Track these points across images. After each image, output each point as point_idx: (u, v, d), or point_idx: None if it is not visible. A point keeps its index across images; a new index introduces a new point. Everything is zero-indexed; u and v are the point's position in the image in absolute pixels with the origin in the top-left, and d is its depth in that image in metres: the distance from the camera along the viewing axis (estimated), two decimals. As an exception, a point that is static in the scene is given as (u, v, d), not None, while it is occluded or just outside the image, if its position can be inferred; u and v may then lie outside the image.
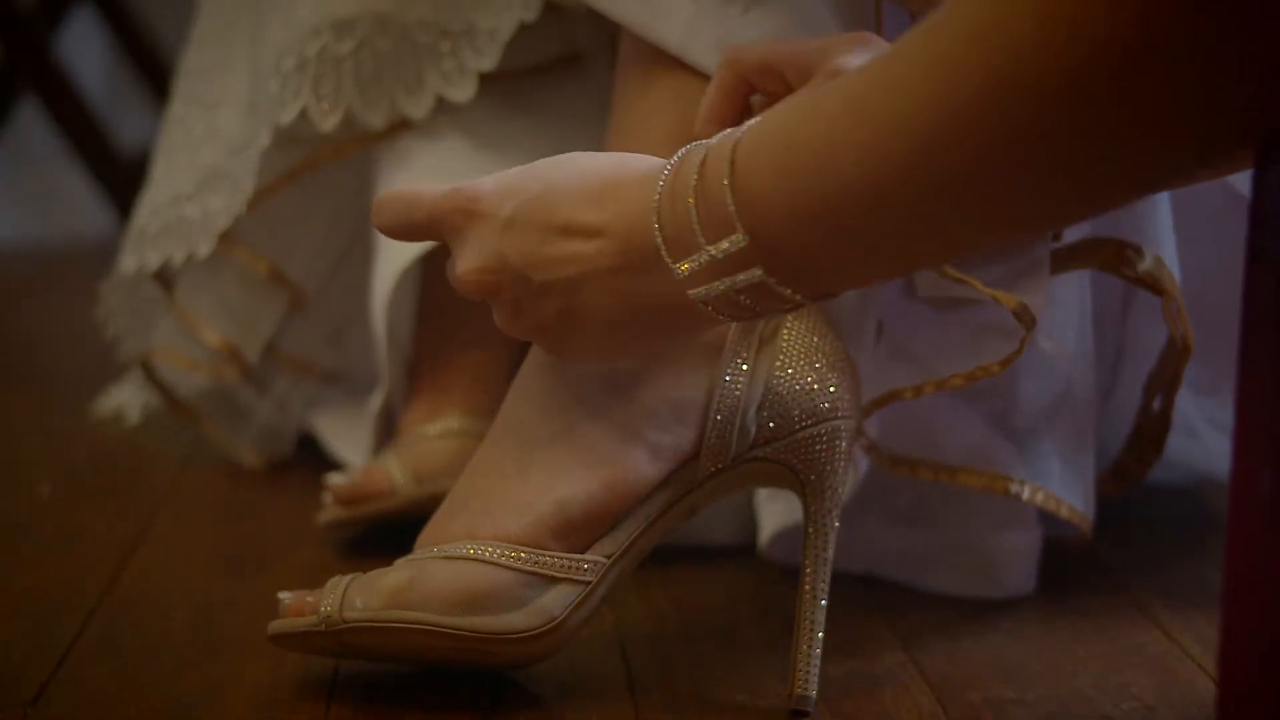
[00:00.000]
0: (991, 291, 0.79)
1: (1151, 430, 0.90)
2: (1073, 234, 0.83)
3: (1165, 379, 0.87)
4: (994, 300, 0.79)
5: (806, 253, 0.63)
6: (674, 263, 0.66)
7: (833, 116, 0.61)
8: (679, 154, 0.67)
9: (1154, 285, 0.83)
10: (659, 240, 0.66)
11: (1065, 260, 0.83)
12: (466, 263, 0.71)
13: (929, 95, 0.57)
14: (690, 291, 0.66)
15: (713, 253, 0.64)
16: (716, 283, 0.65)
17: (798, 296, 0.65)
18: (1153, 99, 0.54)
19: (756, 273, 0.64)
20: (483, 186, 0.71)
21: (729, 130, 0.66)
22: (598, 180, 0.68)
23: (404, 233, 0.73)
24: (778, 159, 0.62)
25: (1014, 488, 0.87)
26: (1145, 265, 0.83)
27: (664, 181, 0.66)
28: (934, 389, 0.83)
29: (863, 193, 0.60)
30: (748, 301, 0.66)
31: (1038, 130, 0.55)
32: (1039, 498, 0.87)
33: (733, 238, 0.64)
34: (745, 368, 0.75)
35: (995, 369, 0.81)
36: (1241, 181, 0.86)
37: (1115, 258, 0.83)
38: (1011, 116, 0.55)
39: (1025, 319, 0.79)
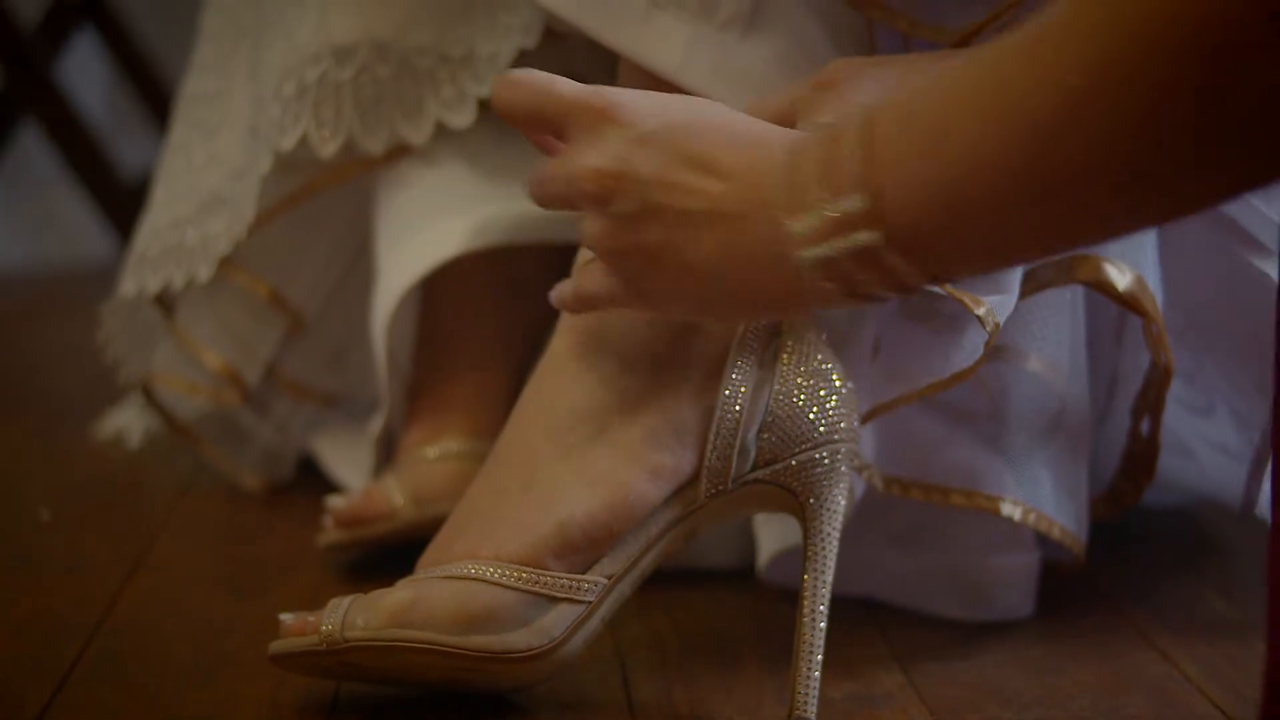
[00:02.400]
0: (957, 294, 0.78)
1: (1142, 454, 0.90)
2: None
3: (1150, 401, 0.88)
4: (960, 303, 0.79)
5: (927, 228, 0.60)
6: (787, 219, 0.63)
7: (967, 85, 0.58)
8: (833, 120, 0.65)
9: (1135, 306, 0.83)
10: (778, 195, 0.64)
11: (1047, 276, 0.84)
12: (589, 160, 0.68)
13: (1070, 63, 0.55)
14: (800, 252, 0.63)
15: (829, 211, 0.62)
16: (827, 243, 0.62)
17: (911, 273, 0.62)
18: None
19: (872, 236, 0.61)
20: (624, 94, 0.69)
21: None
22: (740, 126, 0.67)
23: (527, 120, 0.71)
24: (912, 124, 0.60)
25: (1006, 509, 0.87)
26: (1126, 285, 0.83)
27: (795, 143, 0.65)
28: (908, 401, 0.83)
29: (994, 168, 0.58)
30: (856, 274, 0.63)
31: (1186, 89, 0.52)
32: (1031, 519, 0.88)
33: (853, 198, 0.61)
34: (745, 390, 0.75)
35: (966, 374, 0.81)
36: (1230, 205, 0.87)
37: (1095, 271, 0.83)
38: (1157, 80, 0.53)
39: (988, 323, 0.79)
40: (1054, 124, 0.56)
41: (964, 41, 0.78)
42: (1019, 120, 0.57)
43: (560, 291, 0.75)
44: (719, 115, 0.68)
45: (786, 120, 0.74)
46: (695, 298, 0.68)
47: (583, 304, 0.74)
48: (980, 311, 0.78)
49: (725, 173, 0.66)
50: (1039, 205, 0.58)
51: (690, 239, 0.66)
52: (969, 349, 0.81)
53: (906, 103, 0.61)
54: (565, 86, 0.70)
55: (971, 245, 0.61)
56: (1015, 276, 0.81)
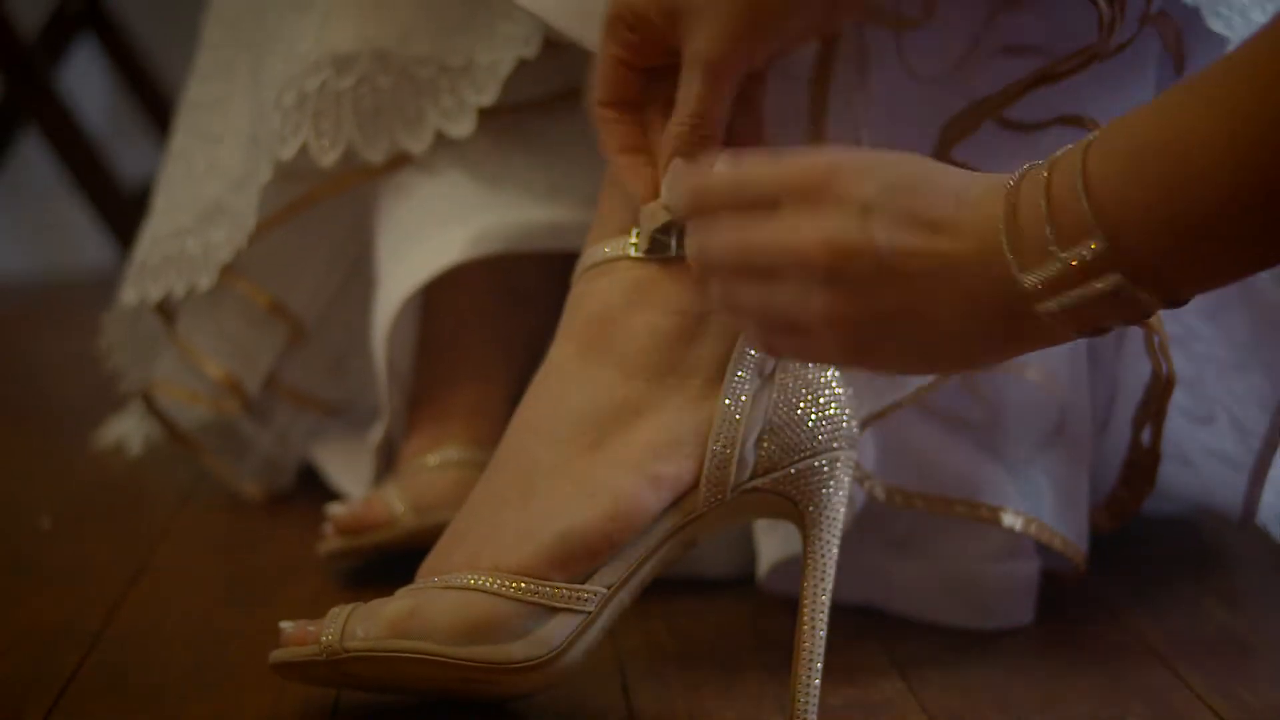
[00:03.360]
0: None
1: (1142, 463, 0.90)
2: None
3: (1151, 412, 0.88)
4: None
5: (1166, 259, 0.59)
6: (1022, 272, 0.62)
7: (1191, 111, 0.58)
8: (1024, 167, 0.63)
9: None
10: (1007, 250, 0.62)
11: None
12: (818, 231, 0.65)
13: None
14: (1044, 303, 0.62)
15: (1067, 259, 0.61)
16: (1073, 291, 0.61)
17: (1151, 302, 0.61)
18: None
19: (1116, 279, 0.60)
20: (840, 157, 0.66)
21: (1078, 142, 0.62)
22: (954, 179, 0.65)
23: (733, 201, 0.69)
24: (1132, 159, 0.59)
25: (1008, 519, 0.87)
26: None
27: (1011, 185, 0.63)
28: (899, 407, 0.83)
29: (1226, 187, 0.57)
30: (1100, 314, 0.62)
31: None
32: (1033, 529, 0.88)
33: (1091, 244, 0.60)
34: (744, 399, 0.76)
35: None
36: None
37: None
38: None
39: None
40: None
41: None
42: (1250, 144, 0.57)
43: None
44: (928, 170, 0.66)
45: None
46: (927, 355, 0.67)
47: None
48: None
49: (953, 230, 0.64)
50: (1274, 223, 0.58)
51: (929, 301, 0.64)
52: None
53: (1123, 137, 0.60)
54: (782, 160, 0.67)
55: (1207, 267, 0.60)
56: None
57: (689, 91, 0.74)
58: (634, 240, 0.78)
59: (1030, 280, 0.62)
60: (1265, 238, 0.59)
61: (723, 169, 0.69)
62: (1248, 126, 0.57)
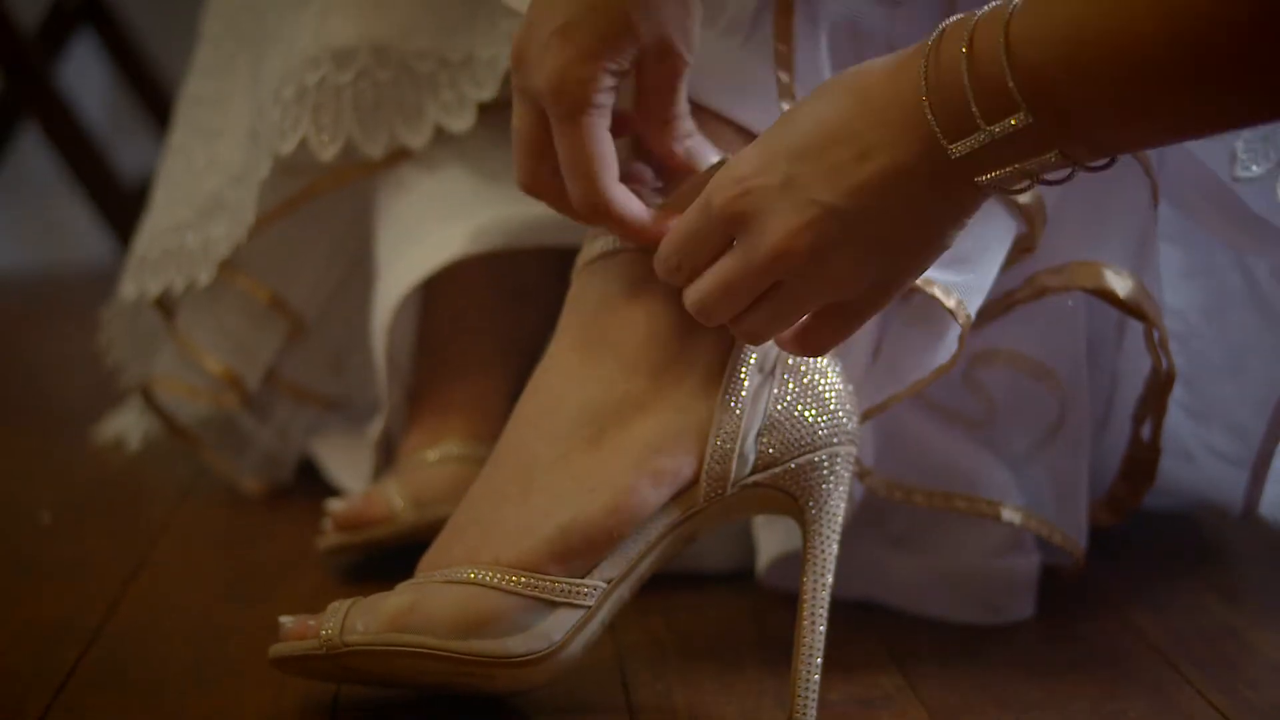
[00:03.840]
0: (929, 289, 0.79)
1: (1143, 459, 0.90)
2: (1056, 258, 0.84)
3: (1151, 407, 0.88)
4: (933, 297, 0.79)
5: (1088, 118, 0.62)
6: (950, 144, 0.64)
7: None
8: (934, 35, 0.65)
9: (1136, 311, 0.84)
10: (935, 127, 0.64)
11: (1047, 282, 0.84)
12: (776, 235, 0.67)
13: None
14: (978, 179, 0.64)
15: (994, 132, 0.63)
16: (1007, 168, 0.64)
17: (1080, 161, 0.64)
18: None
19: (1050, 158, 0.63)
20: (740, 168, 0.68)
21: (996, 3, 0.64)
22: (850, 98, 0.67)
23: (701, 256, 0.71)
24: (1056, 26, 0.61)
25: (1007, 514, 0.87)
26: (1128, 291, 0.83)
27: (927, 64, 0.64)
28: (897, 400, 0.83)
29: (1152, 51, 0.59)
30: (1028, 177, 0.64)
31: None
32: (1032, 524, 0.88)
33: (1017, 115, 0.62)
34: (745, 394, 0.76)
35: (945, 367, 0.82)
36: (1227, 223, 0.87)
37: (1096, 278, 0.83)
38: None
39: (960, 315, 0.79)
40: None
41: None
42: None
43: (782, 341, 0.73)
44: (821, 107, 0.67)
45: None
46: (925, 247, 0.68)
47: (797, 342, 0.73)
48: (951, 304, 0.78)
49: (873, 145, 0.65)
50: (1179, 77, 0.59)
51: (892, 210, 0.66)
52: (949, 344, 0.82)
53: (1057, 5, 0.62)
54: (688, 218, 0.70)
55: (1129, 127, 0.62)
56: (986, 254, 0.81)
57: (557, 141, 0.75)
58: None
59: (954, 151, 0.64)
60: (1169, 98, 0.60)
61: (666, 241, 0.72)
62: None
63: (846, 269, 0.68)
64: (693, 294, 0.71)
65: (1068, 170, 0.65)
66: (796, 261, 0.67)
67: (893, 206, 0.66)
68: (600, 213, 0.75)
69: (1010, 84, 0.62)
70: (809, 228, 0.66)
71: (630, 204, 0.75)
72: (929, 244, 0.68)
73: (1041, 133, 0.63)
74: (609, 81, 0.73)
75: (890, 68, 0.66)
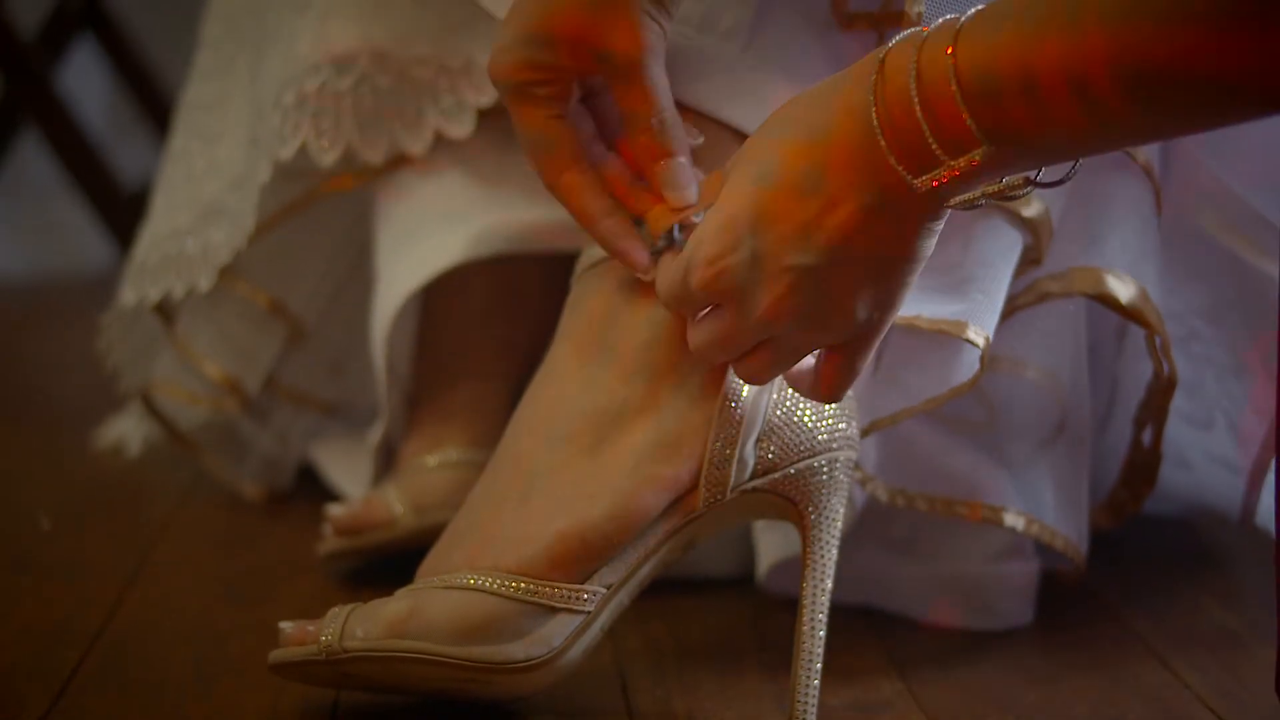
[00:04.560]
0: (936, 325, 0.79)
1: (1143, 464, 0.90)
2: (1057, 264, 0.84)
3: (1152, 412, 0.88)
4: (943, 333, 0.79)
5: (1046, 141, 0.62)
6: (913, 178, 0.64)
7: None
8: (880, 57, 0.64)
9: (1138, 318, 0.84)
10: (897, 166, 0.64)
11: (1049, 288, 0.84)
12: (760, 304, 0.68)
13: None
14: (949, 205, 0.65)
15: (957, 165, 0.63)
16: (973, 194, 0.64)
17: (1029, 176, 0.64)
18: None
19: (1014, 181, 0.63)
20: (708, 247, 0.68)
21: (945, 22, 0.63)
22: (806, 138, 0.66)
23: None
24: (1005, 47, 0.61)
25: (1009, 520, 0.87)
26: (1129, 297, 0.83)
27: (875, 100, 0.64)
28: (909, 415, 0.83)
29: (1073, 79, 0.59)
30: (994, 196, 0.65)
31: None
32: (1034, 529, 0.88)
33: (978, 151, 0.62)
34: (744, 399, 0.76)
35: (962, 389, 0.82)
36: (1228, 225, 0.87)
37: (1097, 284, 0.83)
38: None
39: (978, 341, 0.79)
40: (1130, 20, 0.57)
41: None
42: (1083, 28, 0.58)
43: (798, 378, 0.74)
44: (773, 158, 0.67)
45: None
46: (882, 289, 0.68)
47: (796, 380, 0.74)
48: (969, 335, 0.78)
49: (837, 193, 0.65)
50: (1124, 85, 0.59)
51: (866, 248, 0.66)
52: (966, 365, 0.82)
53: (990, 30, 0.62)
54: (688, 281, 0.70)
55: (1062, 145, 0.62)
56: (991, 270, 0.81)
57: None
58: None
59: (918, 185, 0.64)
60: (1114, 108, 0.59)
61: (657, 288, 0.73)
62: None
63: (835, 313, 0.68)
64: (692, 340, 0.72)
65: (1029, 187, 0.64)
66: (785, 321, 0.68)
67: (866, 244, 0.66)
68: (558, 197, 0.76)
69: (968, 121, 0.62)
70: (790, 293, 0.67)
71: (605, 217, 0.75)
72: (909, 262, 0.68)
73: (1003, 157, 0.62)
74: (541, 71, 0.73)
75: (845, 102, 0.65)
